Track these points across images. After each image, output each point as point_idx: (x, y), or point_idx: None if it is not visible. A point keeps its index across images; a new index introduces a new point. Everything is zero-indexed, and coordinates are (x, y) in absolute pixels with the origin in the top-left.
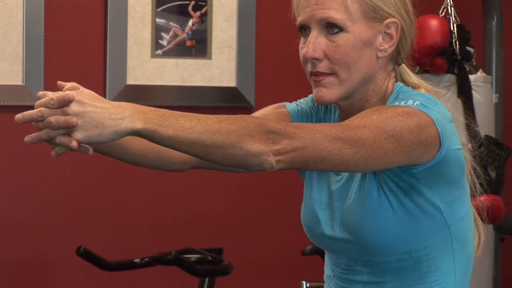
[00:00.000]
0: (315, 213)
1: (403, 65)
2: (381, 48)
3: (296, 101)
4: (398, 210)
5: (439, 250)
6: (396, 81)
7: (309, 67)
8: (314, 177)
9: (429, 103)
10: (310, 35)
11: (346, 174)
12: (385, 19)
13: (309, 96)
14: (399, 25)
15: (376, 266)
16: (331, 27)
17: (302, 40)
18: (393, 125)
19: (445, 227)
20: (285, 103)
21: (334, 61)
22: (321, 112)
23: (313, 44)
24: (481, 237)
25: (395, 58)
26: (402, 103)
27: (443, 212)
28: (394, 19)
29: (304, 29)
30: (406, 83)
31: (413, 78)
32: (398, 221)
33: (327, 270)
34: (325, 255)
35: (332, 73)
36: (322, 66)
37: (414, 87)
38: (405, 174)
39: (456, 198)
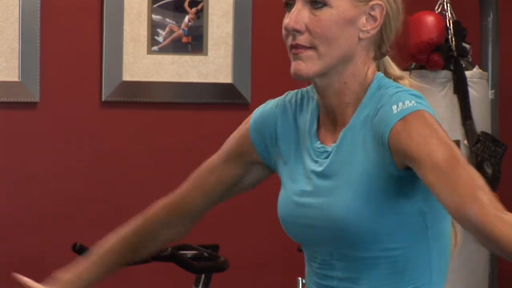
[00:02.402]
0: (294, 201)
1: (387, 57)
2: (364, 29)
3: (267, 103)
4: (384, 207)
5: (416, 250)
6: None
7: (289, 40)
8: (292, 166)
9: (423, 101)
10: (294, 8)
11: (331, 163)
12: (371, 0)
13: (285, 94)
14: (384, 9)
15: (351, 261)
16: (315, 2)
17: (286, 15)
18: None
19: (425, 228)
20: (252, 115)
21: (314, 34)
22: (297, 110)
23: (296, 16)
24: (457, 236)
25: (378, 44)
26: (400, 106)
27: (425, 213)
28: (379, 2)
29: (289, 4)
30: (389, 75)
31: (397, 70)
32: (382, 218)
33: (306, 267)
34: (303, 252)
35: (312, 47)
36: (302, 39)
37: (396, 78)
38: (400, 176)
39: (433, 204)
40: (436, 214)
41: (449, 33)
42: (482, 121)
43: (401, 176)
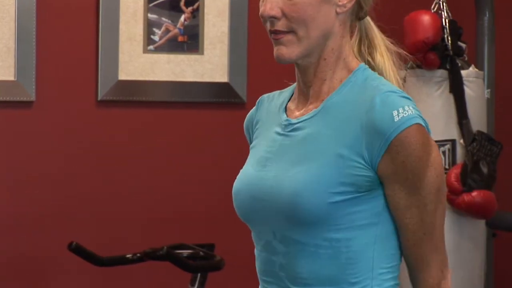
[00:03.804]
0: (250, 174)
1: (367, 18)
2: (340, 3)
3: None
4: (341, 195)
5: (360, 245)
6: (360, 37)
7: (268, 26)
8: (256, 146)
9: (415, 105)
10: None
11: (297, 137)
12: None
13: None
14: None
15: (293, 246)
16: None
17: (261, 2)
18: (428, 215)
19: (375, 225)
20: None
21: (291, 19)
22: (273, 99)
23: (270, 3)
24: None
25: (356, 13)
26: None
27: (379, 213)
28: None
29: None
30: (371, 41)
31: (377, 34)
32: (336, 205)
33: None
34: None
35: (290, 31)
36: (280, 25)
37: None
38: (372, 177)
39: None
40: (389, 215)
41: (445, 32)
42: (478, 120)
43: (373, 177)
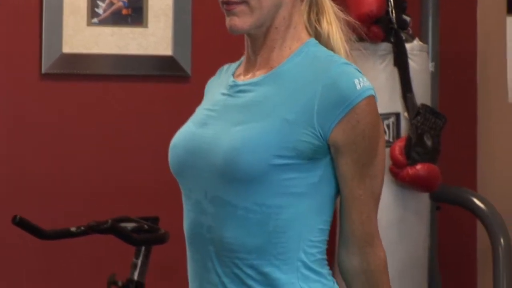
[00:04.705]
0: (191, 131)
1: None
2: None
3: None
4: (282, 159)
5: (291, 215)
6: (310, 3)
7: None
8: (201, 107)
9: (368, 82)
10: None
11: (244, 98)
12: None
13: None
14: None
15: (222, 207)
16: None
17: None
18: (378, 187)
19: (310, 197)
20: None
21: None
22: (224, 71)
23: None
24: None
25: None
26: (362, 83)
27: (317, 185)
28: None
29: None
30: (319, 7)
31: (327, 1)
32: (274, 169)
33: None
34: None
35: (243, 2)
36: None
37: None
38: (319, 145)
39: (334, 175)
40: (326, 190)
41: (389, 5)
42: (422, 93)
43: (319, 146)
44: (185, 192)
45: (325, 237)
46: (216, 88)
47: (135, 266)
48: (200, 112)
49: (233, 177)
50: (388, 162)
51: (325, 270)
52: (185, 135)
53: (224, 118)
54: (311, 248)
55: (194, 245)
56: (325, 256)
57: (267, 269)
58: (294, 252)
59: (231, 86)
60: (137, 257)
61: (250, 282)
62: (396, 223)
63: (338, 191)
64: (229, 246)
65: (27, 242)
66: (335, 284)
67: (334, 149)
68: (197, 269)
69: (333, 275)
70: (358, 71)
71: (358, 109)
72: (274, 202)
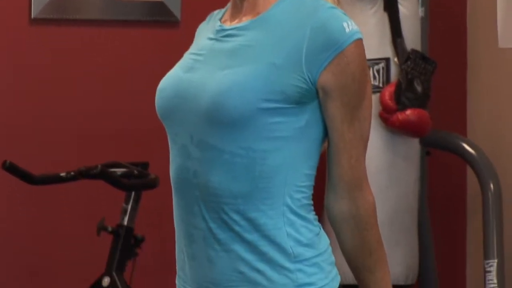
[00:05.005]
0: (179, 76)
1: None
2: None
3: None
4: (270, 103)
5: (277, 159)
6: None
7: None
8: (191, 48)
9: (356, 25)
10: None
11: (234, 42)
12: None
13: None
14: None
15: (208, 151)
16: None
17: None
18: (366, 130)
19: (296, 141)
20: None
21: None
22: (212, 18)
23: None
24: None
25: None
26: (350, 26)
27: (304, 127)
28: None
29: None
30: None
31: None
32: (262, 112)
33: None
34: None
35: None
36: None
37: None
38: (306, 88)
39: (321, 120)
40: (313, 135)
41: None
42: (412, 38)
43: (307, 89)
44: (171, 136)
45: (311, 182)
46: (204, 33)
47: (125, 211)
48: (187, 56)
49: (220, 121)
50: (378, 108)
51: (311, 216)
52: (172, 79)
53: (211, 63)
54: (297, 193)
55: (180, 191)
56: (311, 202)
57: (253, 215)
58: (280, 197)
59: (218, 31)
60: (127, 203)
61: (236, 228)
62: (386, 168)
63: (324, 136)
64: (215, 191)
65: (17, 187)
66: (321, 229)
67: (323, 93)
68: (184, 215)
69: (321, 221)
70: (345, 14)
71: (348, 52)
72: (260, 147)
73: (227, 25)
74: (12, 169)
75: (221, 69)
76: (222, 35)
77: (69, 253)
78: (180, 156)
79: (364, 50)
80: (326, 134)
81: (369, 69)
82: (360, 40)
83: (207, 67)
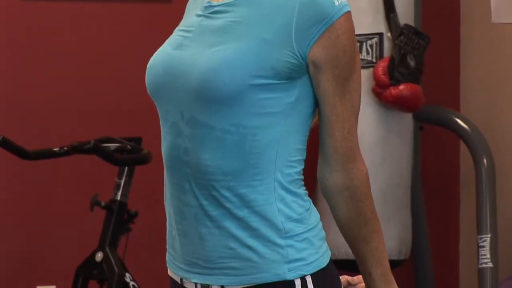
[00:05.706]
0: (168, 52)
1: None
2: None
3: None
4: (260, 80)
5: (267, 135)
6: None
7: None
8: (180, 25)
9: None
10: None
11: (222, 19)
12: None
13: None
14: None
15: (199, 129)
16: None
17: None
18: (357, 102)
19: (286, 117)
20: None
21: None
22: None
23: None
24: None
25: None
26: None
27: (294, 102)
28: None
29: None
30: None
31: None
32: (252, 89)
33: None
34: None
35: None
36: None
37: None
38: (296, 63)
39: (311, 94)
40: (303, 109)
41: None
42: (405, 13)
43: (297, 65)
44: (162, 114)
45: (302, 156)
46: (193, 9)
47: (118, 186)
48: (176, 33)
49: (210, 98)
50: (371, 83)
51: (302, 191)
52: (161, 56)
53: (200, 39)
54: (288, 168)
55: (171, 168)
56: (302, 177)
57: (244, 191)
58: (271, 172)
59: (206, 7)
60: (120, 177)
61: (227, 204)
62: (380, 144)
63: (314, 110)
64: (206, 168)
65: (11, 162)
66: (312, 204)
67: (314, 67)
68: (175, 192)
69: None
70: None
71: (338, 25)
72: (250, 123)
73: (215, 2)
74: (5, 144)
75: (210, 46)
76: (210, 11)
77: (62, 229)
78: (171, 133)
79: (353, 22)
80: (316, 108)
81: (363, 44)
82: (349, 13)
83: (196, 44)
